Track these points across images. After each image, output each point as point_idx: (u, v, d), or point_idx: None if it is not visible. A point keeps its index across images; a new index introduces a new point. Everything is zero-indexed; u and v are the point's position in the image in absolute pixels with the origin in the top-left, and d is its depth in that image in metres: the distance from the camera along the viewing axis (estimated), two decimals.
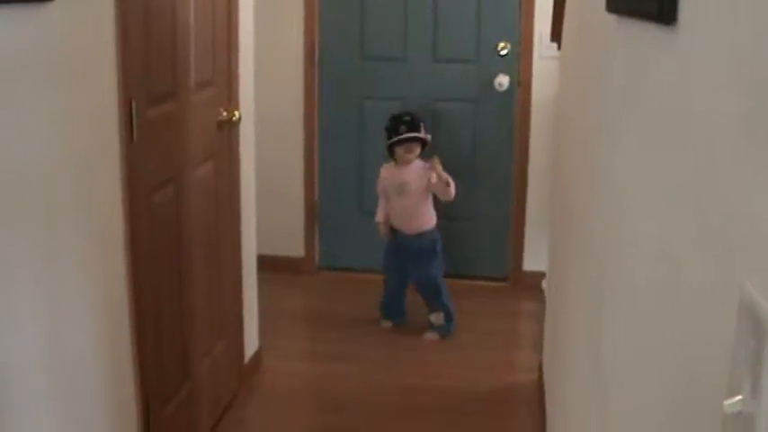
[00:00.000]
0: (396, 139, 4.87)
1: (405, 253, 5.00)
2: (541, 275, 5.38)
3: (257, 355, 4.48)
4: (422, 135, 4.86)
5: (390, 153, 4.95)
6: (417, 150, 4.90)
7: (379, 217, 5.07)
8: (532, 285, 5.57)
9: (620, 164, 1.80)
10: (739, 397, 0.81)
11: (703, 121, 1.11)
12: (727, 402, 0.82)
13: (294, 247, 5.93)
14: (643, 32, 1.58)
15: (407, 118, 4.90)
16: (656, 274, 1.35)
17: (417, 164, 4.92)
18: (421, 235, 4.95)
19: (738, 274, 0.88)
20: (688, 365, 1.11)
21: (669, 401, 1.22)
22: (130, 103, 2.88)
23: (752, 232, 0.87)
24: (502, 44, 5.51)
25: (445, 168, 4.86)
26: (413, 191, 4.90)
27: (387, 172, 5.01)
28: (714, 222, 1.02)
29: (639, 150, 1.58)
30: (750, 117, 0.91)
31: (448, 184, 4.80)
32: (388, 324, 5.11)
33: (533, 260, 5.67)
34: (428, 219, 4.97)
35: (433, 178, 4.80)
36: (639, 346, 1.48)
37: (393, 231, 5.05)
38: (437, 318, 5.02)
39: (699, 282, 1.08)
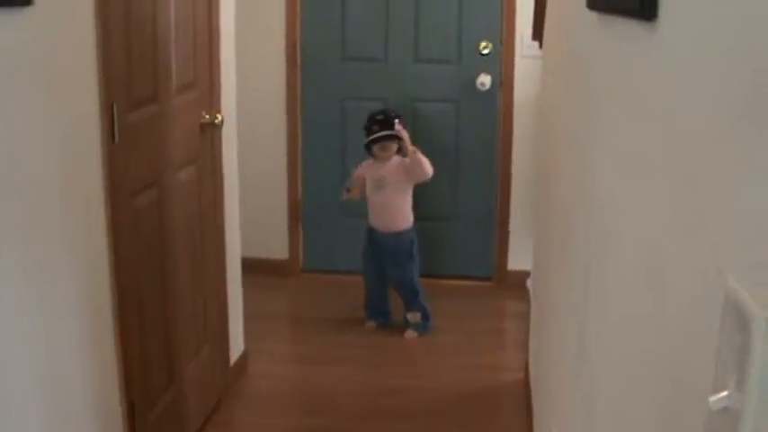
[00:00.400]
0: (369, 138, 4.91)
1: (382, 253, 5.00)
2: (526, 274, 5.37)
3: (242, 357, 4.47)
4: (395, 132, 4.86)
5: (369, 151, 4.96)
6: (393, 147, 4.93)
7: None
8: (517, 284, 5.56)
9: (605, 160, 1.81)
10: (725, 392, 0.81)
11: (686, 115, 1.11)
12: (713, 398, 0.82)
13: (278, 249, 5.92)
14: (624, 29, 1.58)
15: (380, 117, 4.93)
16: (641, 270, 1.35)
17: (395, 160, 4.93)
18: (398, 234, 4.96)
19: (723, 269, 0.88)
20: (674, 362, 1.11)
21: (655, 398, 1.22)
22: (112, 107, 2.87)
23: (736, 227, 0.87)
24: (483, 44, 5.51)
25: None
26: (391, 186, 4.91)
27: (366, 167, 5.03)
28: (699, 217, 1.02)
29: (623, 146, 1.58)
30: (732, 111, 0.91)
31: (414, 152, 4.80)
32: (372, 325, 5.11)
33: (518, 259, 5.67)
34: (405, 218, 4.97)
35: (407, 160, 4.83)
36: (625, 342, 1.48)
37: (370, 231, 5.04)
38: (414, 316, 5.03)
39: (684, 277, 1.08)
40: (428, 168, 4.84)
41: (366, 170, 5.01)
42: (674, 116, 1.18)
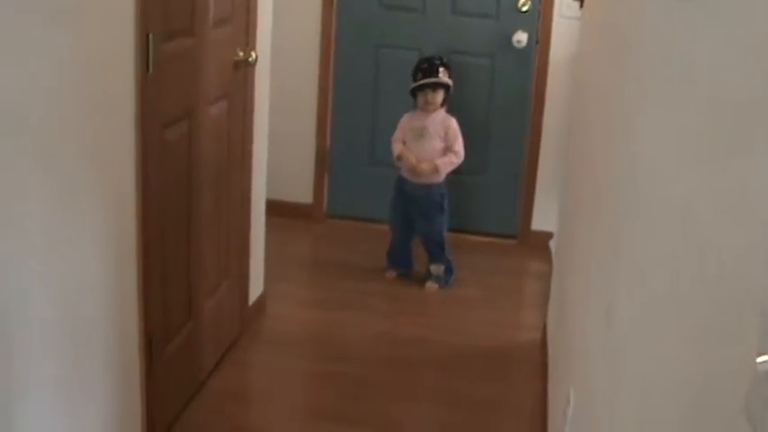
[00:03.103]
0: (412, 86, 4.84)
1: (412, 205, 4.96)
2: (549, 236, 5.36)
3: (261, 298, 4.47)
4: (437, 80, 4.81)
5: (414, 98, 4.91)
6: (439, 96, 4.85)
7: (398, 150, 4.93)
8: (540, 245, 5.55)
9: (647, 123, 1.77)
10: None
11: (739, 80, 1.08)
12: (761, 359, 0.79)
13: (303, 193, 5.90)
14: None
15: (425, 65, 4.85)
16: (678, 233, 1.32)
17: (440, 113, 4.88)
18: (429, 187, 4.91)
19: None
20: (715, 323, 1.08)
21: (692, 362, 1.20)
22: (147, 37, 2.84)
23: None
24: (522, 0, 5.45)
25: (460, 123, 4.86)
26: (431, 137, 4.85)
27: (407, 118, 4.95)
28: (742, 179, 1.00)
29: (668, 110, 1.55)
30: None
31: (437, 169, 4.85)
32: (392, 274, 5.10)
33: (542, 220, 5.64)
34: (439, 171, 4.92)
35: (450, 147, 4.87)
36: (661, 306, 1.46)
37: (400, 181, 5.00)
38: (437, 269, 5.02)
39: (725, 236, 1.05)
40: (459, 161, 4.90)
41: (406, 120, 4.94)
42: (725, 81, 1.15)
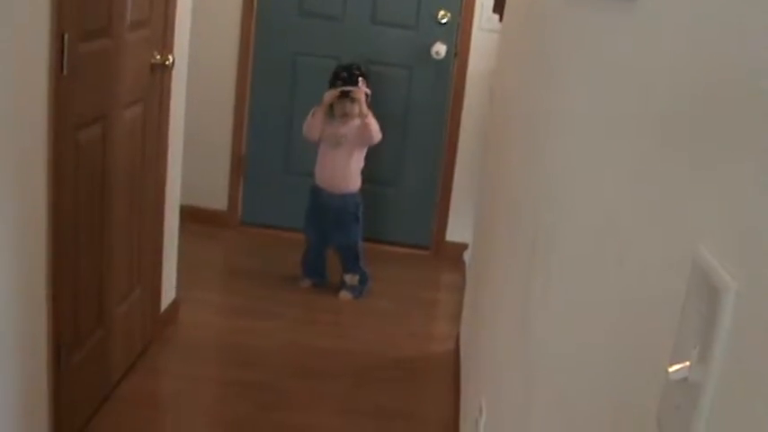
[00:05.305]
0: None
1: (327, 214, 4.95)
2: (463, 247, 5.39)
3: (173, 305, 4.41)
4: (356, 89, 4.80)
5: (331, 106, 4.89)
6: (354, 110, 4.82)
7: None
8: (454, 256, 5.58)
9: (569, 133, 1.78)
10: (686, 363, 0.79)
11: (659, 91, 1.09)
12: (673, 369, 0.80)
13: (217, 199, 5.85)
14: (598, 4, 1.55)
15: (344, 74, 4.83)
16: (599, 237, 1.33)
17: (357, 121, 4.86)
18: (344, 197, 4.91)
19: (690, 238, 0.86)
20: (629, 329, 1.09)
21: (604, 372, 1.20)
22: (63, 37, 2.79)
23: (706, 196, 0.85)
24: (442, 12, 5.48)
25: None
26: (348, 145, 4.85)
27: (327, 124, 4.91)
28: (666, 186, 1.00)
29: (590, 120, 1.55)
30: (707, 90, 0.90)
31: (366, 116, 4.80)
32: (307, 283, 5.08)
33: (457, 231, 5.68)
34: (354, 181, 4.92)
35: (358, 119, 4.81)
36: (575, 309, 1.47)
37: (315, 191, 4.98)
38: (351, 278, 5.01)
39: (645, 245, 1.06)
40: (375, 134, 4.80)
41: (325, 126, 4.92)
42: (646, 90, 1.16)
